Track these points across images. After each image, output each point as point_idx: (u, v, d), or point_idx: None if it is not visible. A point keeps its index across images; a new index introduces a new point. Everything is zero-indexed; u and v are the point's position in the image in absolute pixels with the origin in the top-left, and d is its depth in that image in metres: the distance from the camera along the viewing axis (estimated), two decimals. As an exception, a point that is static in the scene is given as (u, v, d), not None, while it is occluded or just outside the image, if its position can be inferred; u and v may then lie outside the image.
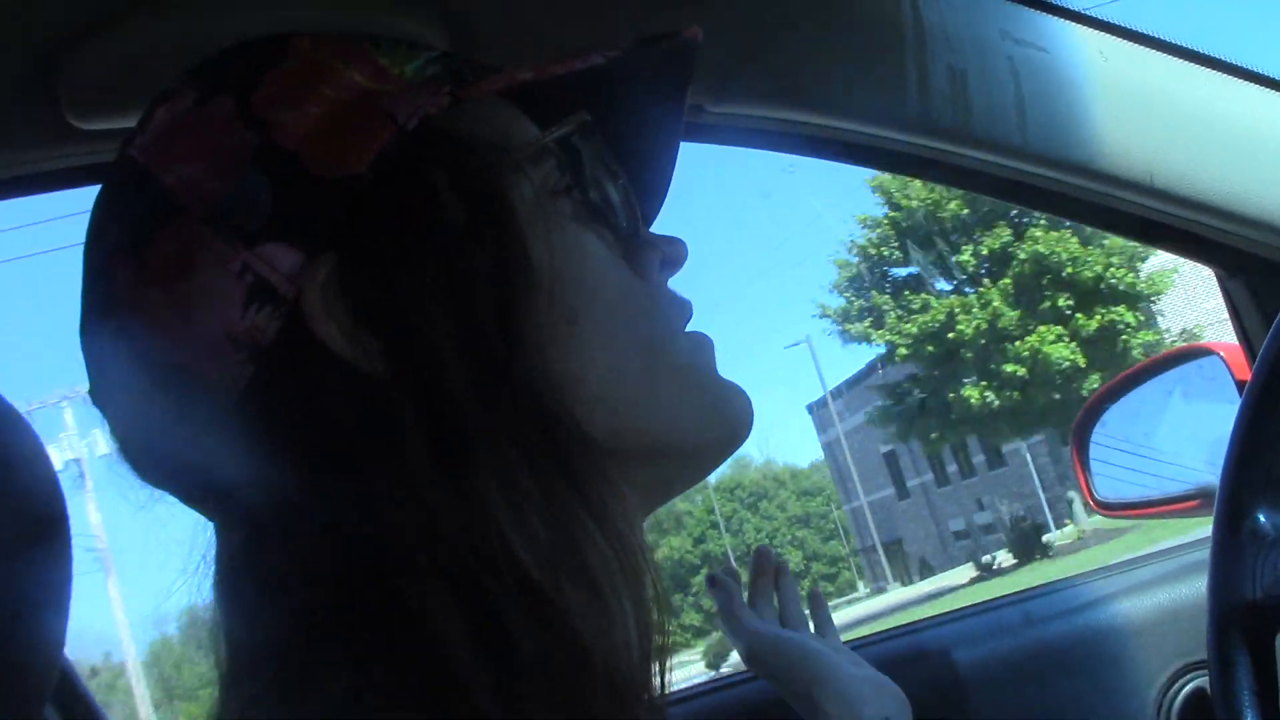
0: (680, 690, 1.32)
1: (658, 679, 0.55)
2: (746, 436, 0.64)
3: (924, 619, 1.41)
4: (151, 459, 0.58)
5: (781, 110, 1.08)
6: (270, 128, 0.54)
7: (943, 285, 24.16)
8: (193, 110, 0.57)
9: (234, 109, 0.56)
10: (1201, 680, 1.24)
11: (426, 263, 0.54)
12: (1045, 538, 24.49)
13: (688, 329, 0.64)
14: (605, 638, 0.52)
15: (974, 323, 22.55)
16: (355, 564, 0.50)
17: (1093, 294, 21.73)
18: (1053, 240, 21.63)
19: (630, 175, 0.65)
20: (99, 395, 0.59)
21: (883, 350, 24.87)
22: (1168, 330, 22.97)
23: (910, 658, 1.30)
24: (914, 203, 23.41)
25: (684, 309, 0.64)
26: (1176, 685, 1.26)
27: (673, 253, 0.64)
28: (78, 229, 0.62)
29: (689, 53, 0.64)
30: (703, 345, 0.64)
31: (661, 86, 0.66)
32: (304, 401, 0.53)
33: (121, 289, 0.56)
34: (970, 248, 23.17)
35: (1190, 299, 22.16)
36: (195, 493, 0.59)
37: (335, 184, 0.53)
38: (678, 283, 0.66)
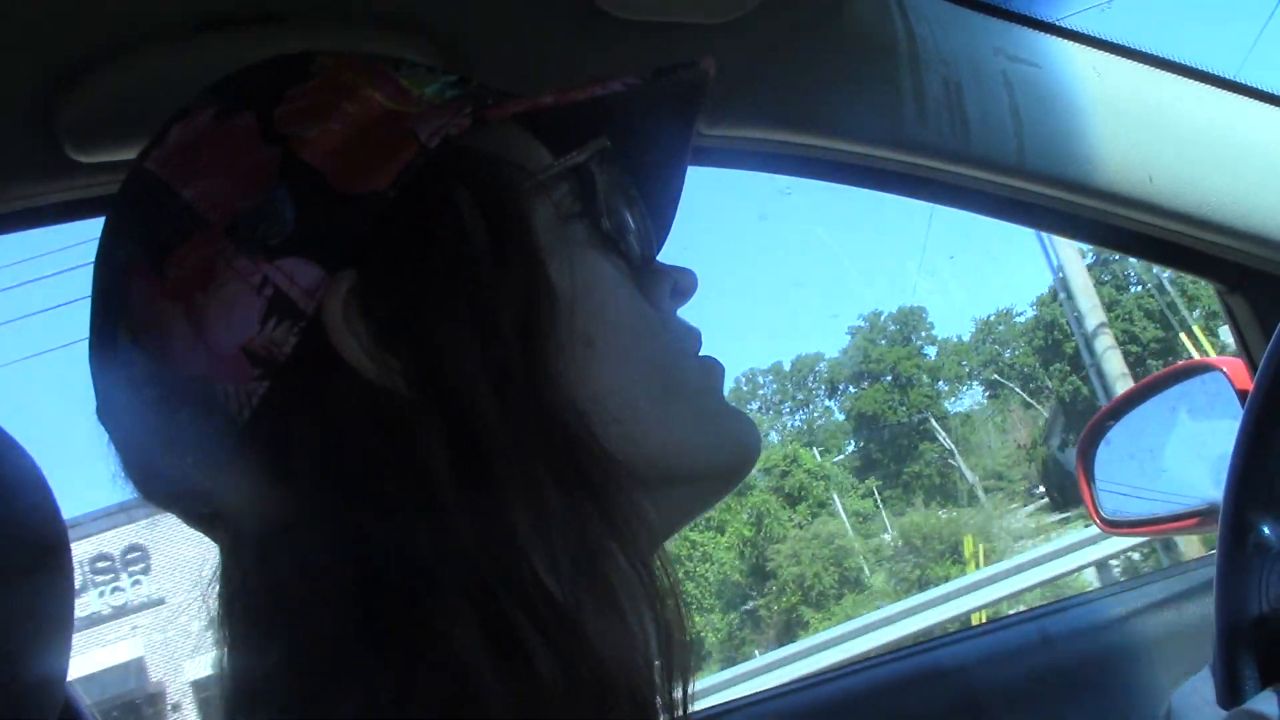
0: (698, 711, 1.31)
1: (681, 698, 0.55)
2: (753, 465, 0.64)
3: (940, 637, 1.40)
4: (157, 478, 0.58)
5: (777, 132, 1.08)
6: (293, 144, 0.55)
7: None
8: (212, 126, 0.57)
9: (255, 125, 0.56)
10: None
11: (450, 283, 0.54)
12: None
13: (699, 355, 0.64)
14: (627, 657, 0.52)
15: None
16: (373, 584, 0.50)
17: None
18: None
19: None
20: (106, 412, 0.59)
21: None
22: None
23: (927, 676, 1.29)
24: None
25: (694, 337, 0.64)
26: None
27: (684, 282, 0.65)
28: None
29: (702, 82, 0.65)
30: (713, 371, 0.64)
31: (672, 114, 0.66)
32: (319, 418, 0.53)
33: (137, 302, 0.55)
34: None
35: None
36: (203, 513, 0.58)
37: (359, 200, 0.53)
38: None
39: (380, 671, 0.49)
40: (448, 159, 0.56)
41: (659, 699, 0.54)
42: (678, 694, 0.55)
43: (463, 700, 0.48)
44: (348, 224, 0.53)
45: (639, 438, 0.58)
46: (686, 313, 0.66)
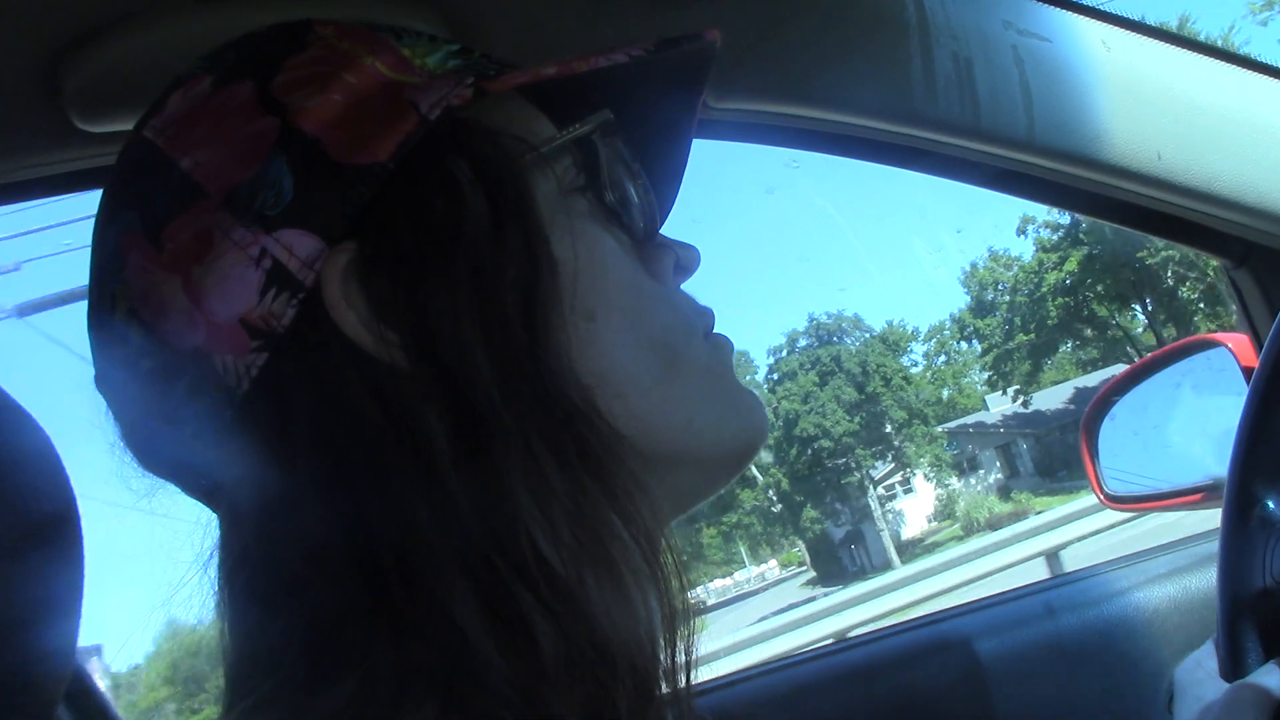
0: (705, 681, 1.31)
1: (684, 673, 0.54)
2: (761, 446, 0.63)
3: (947, 609, 1.40)
4: (155, 449, 0.58)
5: (785, 105, 1.07)
6: (292, 114, 0.54)
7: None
8: (210, 94, 0.57)
9: (253, 94, 0.55)
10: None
11: (450, 255, 0.53)
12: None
13: (714, 332, 0.63)
14: (629, 632, 0.52)
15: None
16: (372, 559, 0.50)
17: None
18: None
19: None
20: (104, 381, 0.59)
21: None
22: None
23: (934, 648, 1.30)
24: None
25: (702, 314, 0.64)
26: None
27: (686, 257, 0.64)
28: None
29: (708, 54, 0.64)
30: (721, 349, 0.63)
31: (678, 86, 0.66)
32: (318, 392, 0.53)
33: (134, 273, 0.55)
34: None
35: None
36: (201, 485, 0.58)
37: (357, 172, 0.53)
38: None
39: (381, 644, 0.49)
40: (448, 130, 0.55)
41: (661, 672, 0.54)
42: (680, 667, 0.54)
43: (463, 673, 0.48)
44: (346, 196, 0.52)
45: (642, 414, 0.57)
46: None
